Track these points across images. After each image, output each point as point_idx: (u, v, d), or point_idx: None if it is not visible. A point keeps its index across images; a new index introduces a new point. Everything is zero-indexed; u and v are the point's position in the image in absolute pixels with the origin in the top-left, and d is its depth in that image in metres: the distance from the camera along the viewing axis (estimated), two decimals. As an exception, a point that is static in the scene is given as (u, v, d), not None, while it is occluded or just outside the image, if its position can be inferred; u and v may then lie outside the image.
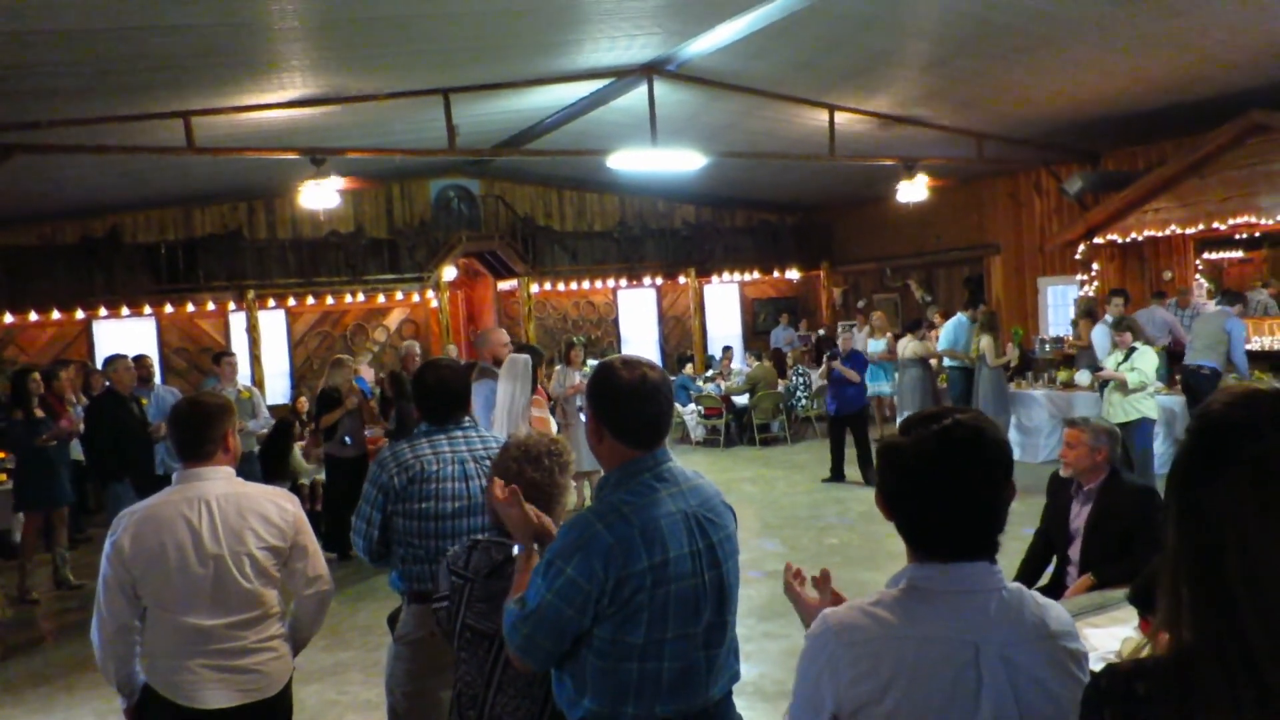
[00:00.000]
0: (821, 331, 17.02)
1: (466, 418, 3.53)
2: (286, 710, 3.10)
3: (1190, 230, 10.98)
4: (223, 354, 9.13)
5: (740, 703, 2.46)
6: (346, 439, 8.30)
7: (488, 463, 3.34)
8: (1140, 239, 11.64)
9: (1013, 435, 10.59)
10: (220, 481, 2.95)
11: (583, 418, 9.38)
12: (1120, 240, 11.81)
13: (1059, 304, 13.18)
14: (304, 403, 11.04)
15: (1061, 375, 10.81)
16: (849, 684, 1.55)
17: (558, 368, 10.39)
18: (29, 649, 6.61)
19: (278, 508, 2.99)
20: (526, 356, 6.40)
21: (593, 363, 9.85)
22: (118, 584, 2.84)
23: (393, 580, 3.44)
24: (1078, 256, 12.46)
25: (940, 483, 1.57)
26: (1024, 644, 1.55)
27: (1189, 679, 1.14)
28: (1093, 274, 12.32)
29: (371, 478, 3.35)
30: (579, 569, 2.04)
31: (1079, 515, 4.19)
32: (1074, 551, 4.19)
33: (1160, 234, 11.28)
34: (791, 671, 1.70)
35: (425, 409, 3.51)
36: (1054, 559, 4.38)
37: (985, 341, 10.43)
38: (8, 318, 12.04)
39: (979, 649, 1.53)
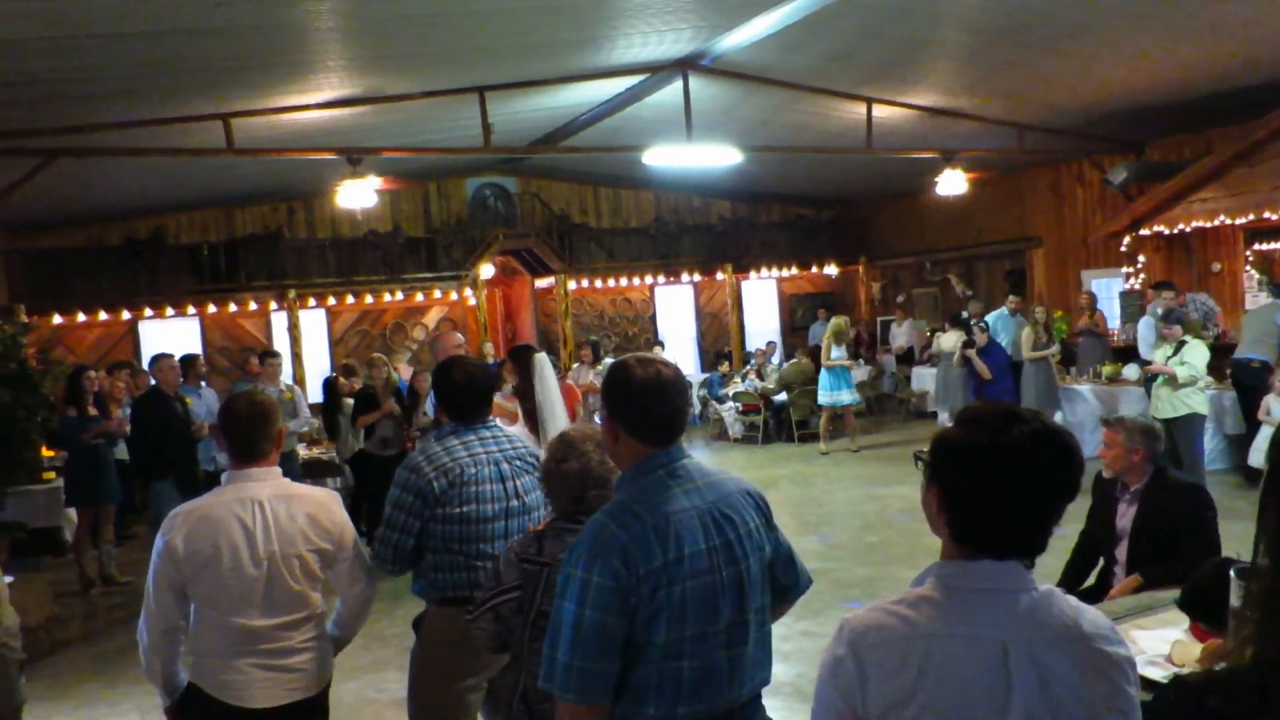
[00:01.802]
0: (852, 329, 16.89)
1: (492, 417, 3.46)
2: (324, 709, 3.11)
3: (1239, 220, 10.72)
4: (266, 353, 9.22)
5: (777, 703, 2.42)
6: (384, 438, 8.36)
7: (519, 463, 3.32)
8: (1188, 230, 11.38)
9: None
10: (270, 483, 2.96)
11: (596, 418, 9.41)
12: (1166, 232, 11.56)
13: (1104, 297, 12.93)
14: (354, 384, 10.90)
15: (1106, 370, 10.60)
16: (875, 685, 1.51)
17: (574, 365, 10.41)
18: (75, 644, 6.73)
19: (326, 510, 3.00)
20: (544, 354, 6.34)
21: (609, 361, 9.85)
22: (168, 583, 2.85)
23: (415, 587, 3.33)
24: (1123, 249, 12.22)
25: (1023, 484, 1.52)
26: (1054, 645, 1.51)
27: (1269, 693, 1.08)
28: (1138, 266, 12.08)
29: (405, 484, 3.21)
30: (602, 572, 2.00)
31: (1125, 515, 4.09)
32: (1120, 552, 4.09)
33: (1208, 225, 11.02)
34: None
35: (452, 407, 3.39)
36: (1100, 560, 4.29)
37: (1025, 333, 10.26)
38: (56, 319, 12.28)
39: (1008, 648, 1.49)
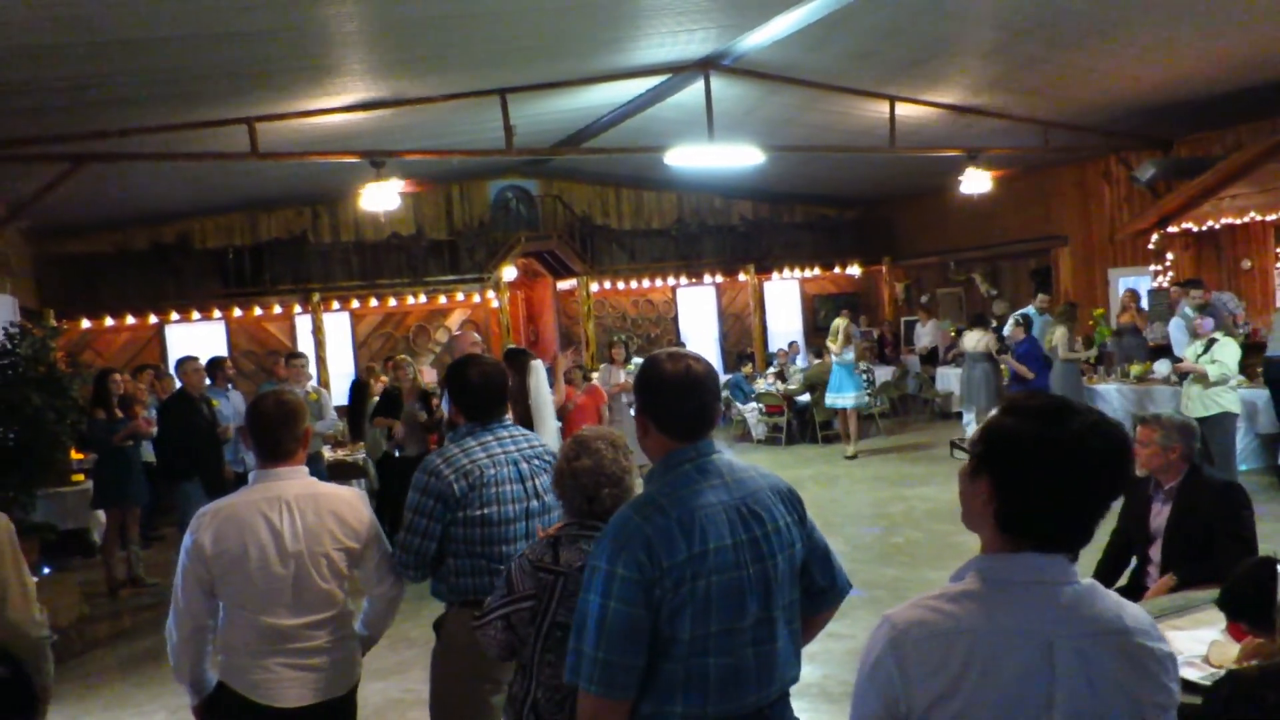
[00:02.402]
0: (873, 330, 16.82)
1: (507, 416, 3.40)
2: (352, 708, 3.11)
3: (1270, 217, 10.58)
4: (292, 355, 9.27)
5: (803, 704, 2.39)
6: (396, 451, 8.40)
7: (538, 462, 3.27)
8: (1217, 227, 11.24)
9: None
10: (298, 481, 2.95)
11: (628, 414, 9.41)
12: (1195, 229, 11.42)
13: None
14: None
15: (1135, 369, 10.48)
16: (919, 681, 1.50)
17: (602, 365, 10.41)
18: (104, 644, 6.79)
19: (352, 509, 2.99)
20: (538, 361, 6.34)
21: (638, 360, 9.84)
22: (196, 582, 2.85)
23: (434, 588, 3.28)
24: (1150, 246, 12.09)
25: (1078, 477, 1.51)
26: (1099, 638, 1.50)
27: None
28: (1166, 264, 11.95)
29: (423, 488, 3.13)
30: (627, 565, 1.99)
31: (1159, 514, 4.03)
32: (1154, 552, 4.03)
33: (1238, 221, 10.89)
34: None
35: (468, 407, 3.30)
36: (1133, 560, 4.23)
37: (1059, 333, 10.14)
38: (84, 323, 12.41)
39: (1051, 641, 1.49)
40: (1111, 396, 10.26)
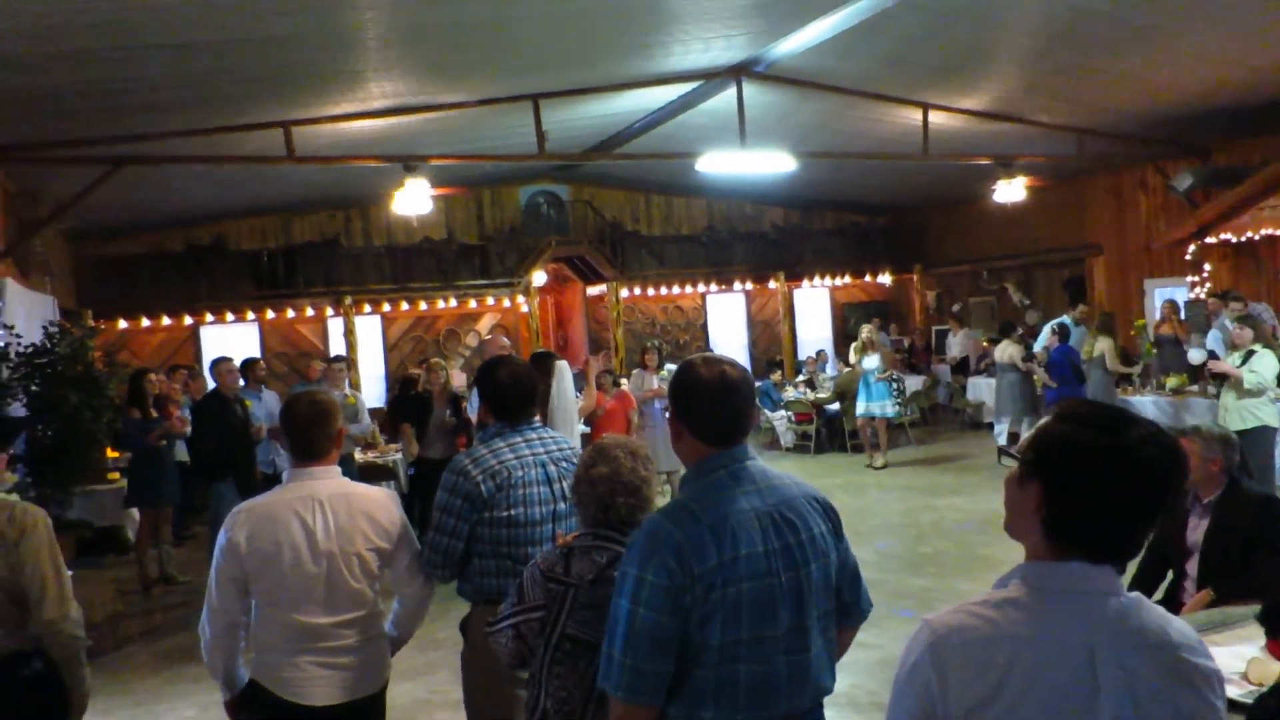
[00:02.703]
0: (905, 340, 16.70)
1: (536, 417, 3.42)
2: (381, 709, 3.12)
3: (1312, 228, 10.40)
4: (334, 358, 9.35)
5: (832, 714, 2.37)
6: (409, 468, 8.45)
7: (565, 465, 3.26)
8: (1256, 238, 11.06)
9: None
10: (331, 481, 2.98)
11: (661, 420, 9.39)
12: (1234, 239, 11.25)
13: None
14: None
15: (1171, 381, 10.32)
16: (957, 688, 1.48)
17: (635, 371, 10.40)
18: (137, 641, 6.88)
19: (384, 509, 3.01)
20: (564, 363, 6.39)
21: (671, 366, 9.83)
22: (230, 580, 2.89)
23: (461, 589, 3.30)
24: (1187, 257, 11.92)
25: (1135, 486, 1.49)
26: (1144, 651, 1.47)
27: None
28: (1204, 275, 11.77)
29: (451, 488, 3.14)
30: (657, 571, 1.98)
31: (1196, 528, 3.96)
32: (1191, 566, 3.97)
33: (1278, 232, 10.71)
34: (886, 683, 1.62)
35: (498, 407, 3.32)
36: (1168, 575, 4.16)
37: (1104, 344, 10.00)
38: (121, 323, 12.59)
39: (1095, 652, 1.46)
40: (1147, 409, 10.11)
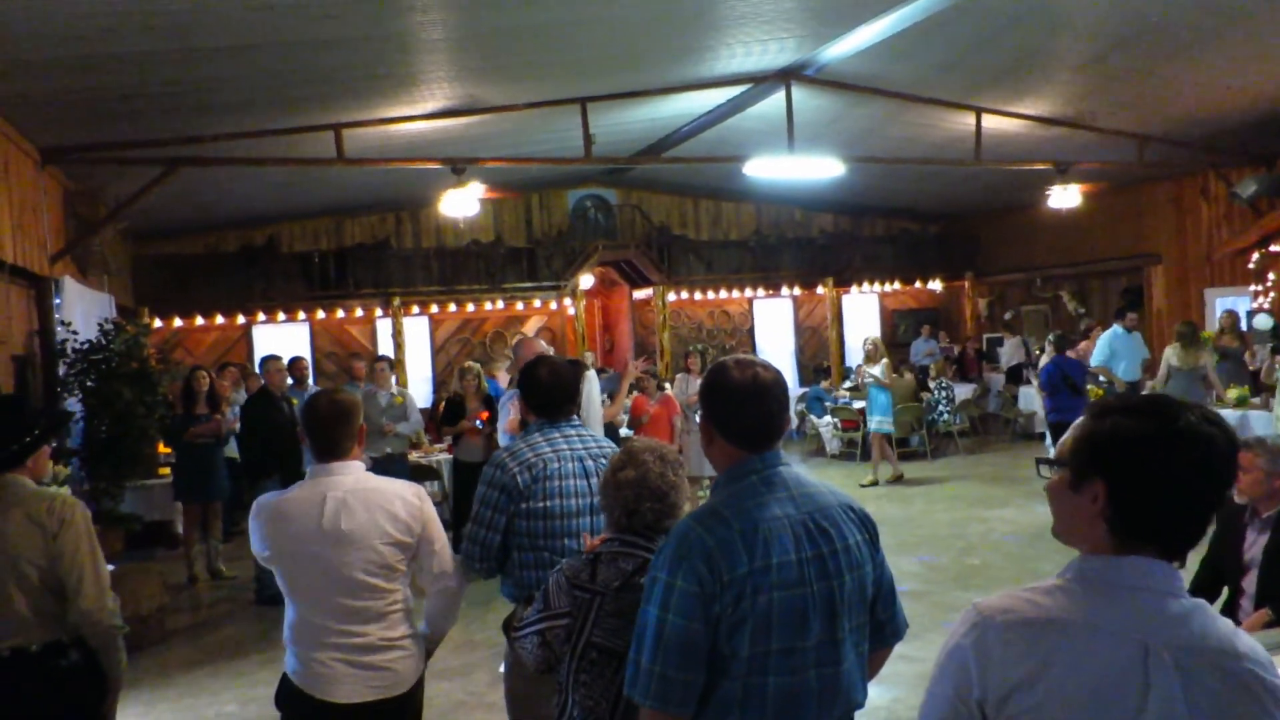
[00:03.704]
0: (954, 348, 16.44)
1: (575, 415, 3.43)
2: (416, 708, 3.11)
3: (1382, 237, 10.05)
4: (376, 359, 9.43)
5: (870, 729, 2.31)
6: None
7: (603, 461, 3.23)
8: (1323, 247, 10.73)
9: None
10: (350, 477, 2.98)
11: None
12: (1300, 248, 10.91)
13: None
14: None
15: (1232, 393, 10.03)
16: (998, 667, 1.44)
17: (678, 375, 10.35)
18: (182, 633, 6.98)
19: (404, 502, 2.99)
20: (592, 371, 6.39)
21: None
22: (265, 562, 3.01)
23: (505, 589, 3.30)
24: (1250, 266, 11.58)
25: (1202, 473, 1.46)
26: (1205, 656, 1.40)
27: None
28: (1268, 285, 11.42)
29: (490, 480, 3.19)
30: (686, 577, 1.94)
31: (1255, 544, 3.82)
32: (1248, 583, 3.82)
33: (1346, 241, 10.37)
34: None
35: (538, 404, 3.38)
36: (1223, 591, 4.02)
37: (1209, 358, 9.77)
38: (176, 322, 12.84)
39: (1149, 648, 1.40)
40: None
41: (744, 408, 2.10)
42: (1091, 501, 1.49)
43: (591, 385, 6.21)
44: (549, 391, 3.36)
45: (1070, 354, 11.11)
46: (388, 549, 2.93)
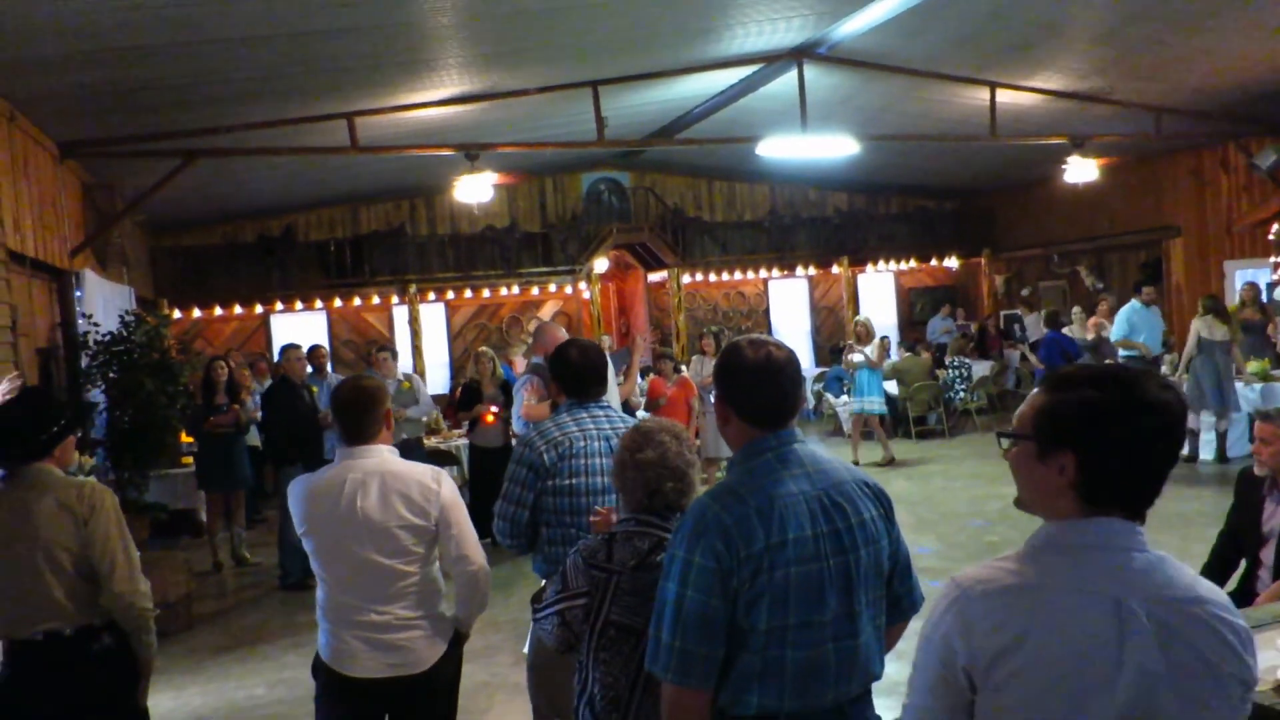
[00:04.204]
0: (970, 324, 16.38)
1: (604, 396, 3.49)
2: (445, 687, 3.18)
3: (1404, 206, 9.93)
4: (381, 347, 9.50)
5: (890, 702, 2.33)
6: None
7: None
8: (1344, 216, 10.61)
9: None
10: (373, 460, 3.06)
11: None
12: (1320, 218, 10.80)
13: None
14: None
15: (1252, 366, 9.96)
16: (983, 635, 1.50)
17: (694, 357, 10.37)
18: (209, 620, 7.09)
19: (420, 486, 3.06)
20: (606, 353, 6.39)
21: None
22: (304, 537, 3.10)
23: (536, 566, 3.38)
24: (1271, 237, 11.47)
25: (1165, 437, 1.53)
26: (1172, 605, 1.49)
27: None
28: (1288, 256, 11.32)
29: (518, 458, 3.29)
30: (704, 554, 1.98)
31: (1274, 515, 3.83)
32: (1266, 554, 3.83)
33: (1368, 210, 10.25)
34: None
35: (568, 385, 3.46)
36: (1242, 564, 4.03)
37: (1222, 329, 9.73)
38: (196, 312, 12.95)
39: (1120, 603, 1.48)
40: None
41: (758, 387, 2.13)
42: (1059, 473, 1.54)
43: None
44: (579, 372, 3.43)
45: (1076, 326, 11.20)
46: (402, 532, 3.00)
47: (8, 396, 3.99)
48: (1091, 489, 1.53)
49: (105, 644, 3.07)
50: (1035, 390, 1.65)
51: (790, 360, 2.17)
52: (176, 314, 12.32)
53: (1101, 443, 1.51)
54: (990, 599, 1.51)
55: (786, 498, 2.04)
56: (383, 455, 3.08)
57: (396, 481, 3.03)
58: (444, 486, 3.10)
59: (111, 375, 7.70)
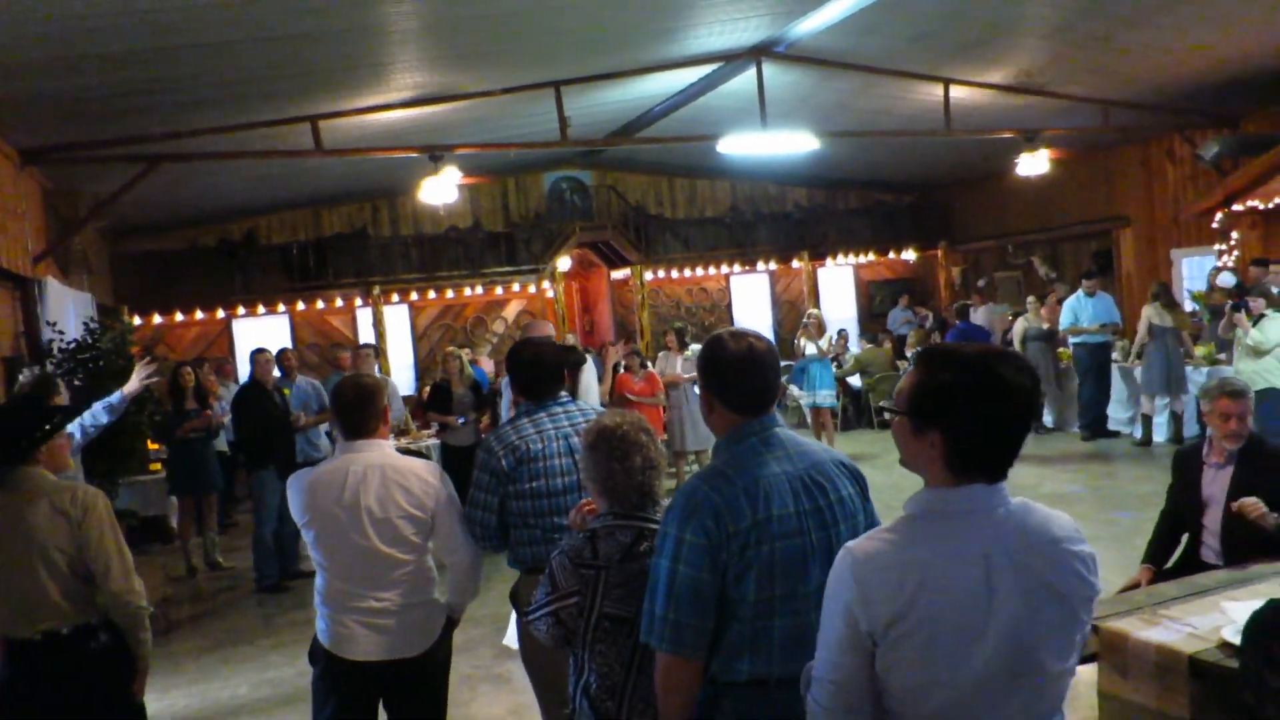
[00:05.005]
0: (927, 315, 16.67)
1: (564, 393, 3.52)
2: (439, 668, 3.33)
3: (1341, 193, 10.31)
4: (361, 345, 9.53)
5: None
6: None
7: None
8: (1285, 204, 10.98)
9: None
10: (374, 453, 3.19)
11: (684, 401, 9.46)
12: (1262, 206, 11.15)
13: (1195, 275, 12.56)
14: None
15: (1200, 351, 10.29)
16: (879, 603, 1.70)
17: (660, 354, 10.50)
18: (188, 624, 7.10)
19: (420, 480, 3.20)
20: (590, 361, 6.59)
21: (695, 346, 9.90)
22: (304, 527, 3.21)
23: (510, 562, 3.46)
24: (1215, 225, 11.83)
25: (1018, 410, 1.73)
26: (1030, 550, 1.72)
27: None
28: (1232, 243, 11.67)
29: (481, 464, 3.34)
30: (695, 531, 2.12)
31: (1213, 481, 4.06)
32: (1208, 519, 4.05)
33: (1307, 198, 10.62)
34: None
35: (522, 386, 3.48)
36: (1183, 541, 4.26)
37: (1169, 316, 10.05)
38: (156, 318, 12.85)
39: (989, 557, 1.70)
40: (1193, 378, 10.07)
41: (741, 377, 2.28)
42: (930, 446, 1.76)
43: (589, 374, 6.43)
44: (530, 373, 3.46)
45: (1031, 315, 11.58)
46: (402, 522, 3.14)
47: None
48: (957, 461, 1.74)
49: (102, 642, 3.15)
50: (909, 368, 1.85)
51: (770, 351, 2.33)
52: (137, 320, 12.22)
53: (962, 422, 1.72)
54: (881, 571, 1.71)
55: (771, 478, 2.19)
56: (383, 449, 3.21)
57: (397, 475, 3.16)
58: (441, 481, 3.24)
59: (78, 383, 7.66)
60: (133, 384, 5.31)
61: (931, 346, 1.87)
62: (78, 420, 5.04)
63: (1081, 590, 1.75)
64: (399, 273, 14.12)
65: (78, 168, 8.39)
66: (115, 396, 5.27)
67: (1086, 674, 3.27)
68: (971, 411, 1.72)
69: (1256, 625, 1.12)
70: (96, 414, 5.11)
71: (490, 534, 3.34)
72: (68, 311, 8.23)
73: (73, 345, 7.64)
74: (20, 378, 5.38)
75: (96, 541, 3.11)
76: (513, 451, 3.29)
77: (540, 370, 3.46)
